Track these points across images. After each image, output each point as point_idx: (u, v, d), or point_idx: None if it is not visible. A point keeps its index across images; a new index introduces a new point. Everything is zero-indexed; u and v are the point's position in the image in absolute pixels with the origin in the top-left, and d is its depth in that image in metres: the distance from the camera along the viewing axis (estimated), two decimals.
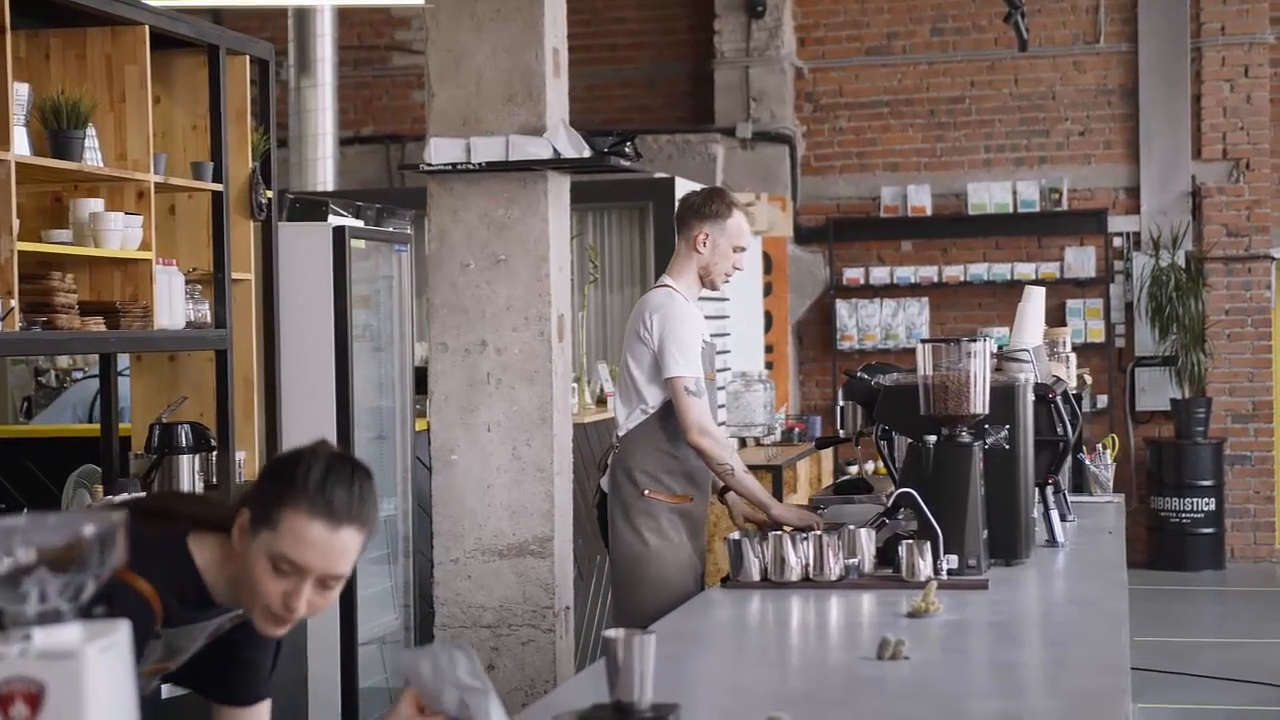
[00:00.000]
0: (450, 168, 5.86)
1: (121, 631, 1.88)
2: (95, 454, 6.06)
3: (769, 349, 12.76)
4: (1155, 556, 12.84)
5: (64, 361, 9.25)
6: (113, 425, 5.89)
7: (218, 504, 3.02)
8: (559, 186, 6.02)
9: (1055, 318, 12.82)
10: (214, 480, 5.91)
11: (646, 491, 5.41)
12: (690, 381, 5.31)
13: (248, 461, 6.14)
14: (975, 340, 4.71)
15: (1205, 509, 12.74)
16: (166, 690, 5.06)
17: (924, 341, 4.76)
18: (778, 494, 9.07)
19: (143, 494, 5.29)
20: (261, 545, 2.80)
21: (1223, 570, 12.80)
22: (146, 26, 5.50)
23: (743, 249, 5.51)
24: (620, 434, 5.50)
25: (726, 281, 5.61)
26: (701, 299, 5.61)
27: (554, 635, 5.92)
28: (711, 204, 5.48)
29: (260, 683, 3.13)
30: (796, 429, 11.26)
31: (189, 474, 5.73)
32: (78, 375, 9.05)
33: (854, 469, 10.91)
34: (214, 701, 3.14)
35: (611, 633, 2.84)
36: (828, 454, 11.47)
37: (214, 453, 5.90)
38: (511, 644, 5.89)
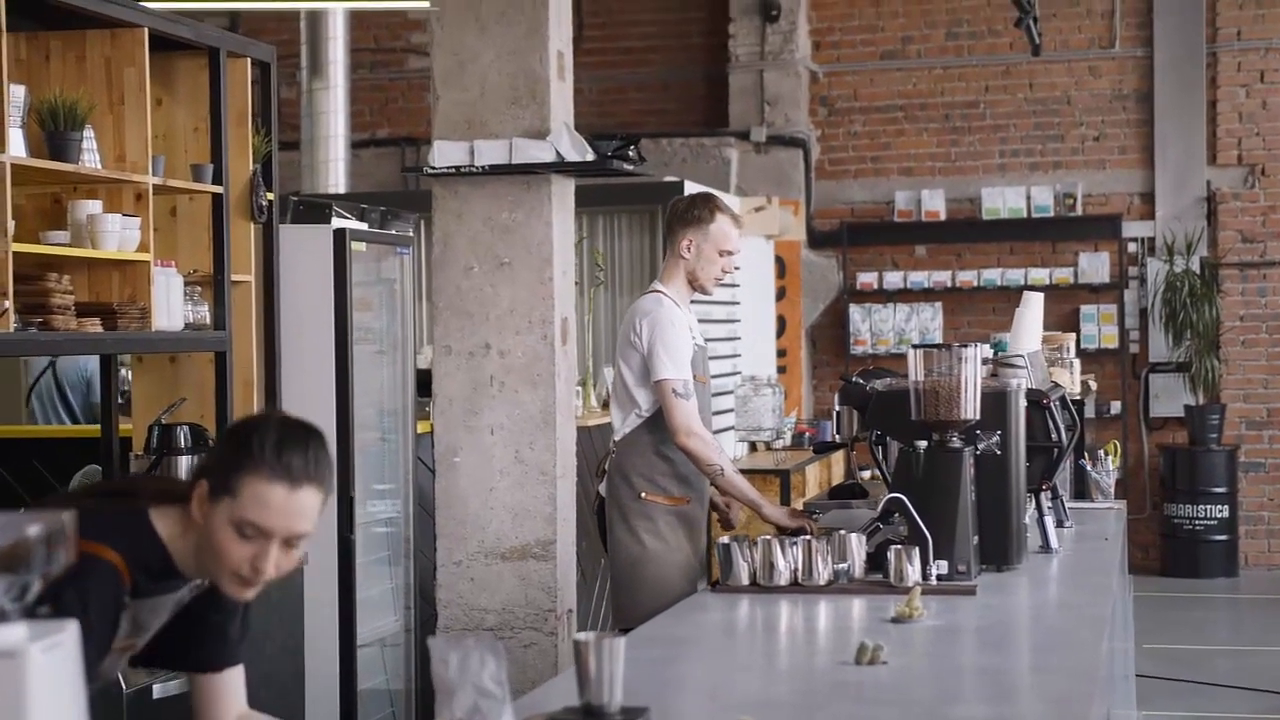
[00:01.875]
0: (454, 170, 5.87)
1: (68, 631, 1.90)
2: (98, 454, 6.09)
3: (782, 353, 12.75)
4: (1168, 563, 12.80)
5: None
6: (113, 426, 5.91)
7: (178, 480, 3.12)
8: (563, 190, 6.02)
9: (1069, 323, 12.79)
10: None
11: (643, 494, 5.42)
12: (678, 384, 5.33)
13: None
14: (967, 346, 4.71)
15: (1219, 516, 12.69)
16: (159, 690, 5.11)
17: (915, 347, 4.76)
18: (785, 499, 9.06)
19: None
20: (223, 513, 2.88)
21: (1236, 577, 12.75)
22: (146, 29, 5.51)
23: (730, 253, 5.51)
24: (616, 439, 5.52)
25: (719, 284, 5.61)
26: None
27: (556, 638, 5.92)
28: (695, 209, 5.49)
29: (229, 648, 3.20)
30: (808, 434, 11.22)
31: (187, 475, 5.75)
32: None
33: (867, 474, 10.87)
34: (186, 671, 3.22)
35: (581, 636, 2.86)
36: (839, 459, 11.43)
37: None
38: (513, 647, 5.88)
